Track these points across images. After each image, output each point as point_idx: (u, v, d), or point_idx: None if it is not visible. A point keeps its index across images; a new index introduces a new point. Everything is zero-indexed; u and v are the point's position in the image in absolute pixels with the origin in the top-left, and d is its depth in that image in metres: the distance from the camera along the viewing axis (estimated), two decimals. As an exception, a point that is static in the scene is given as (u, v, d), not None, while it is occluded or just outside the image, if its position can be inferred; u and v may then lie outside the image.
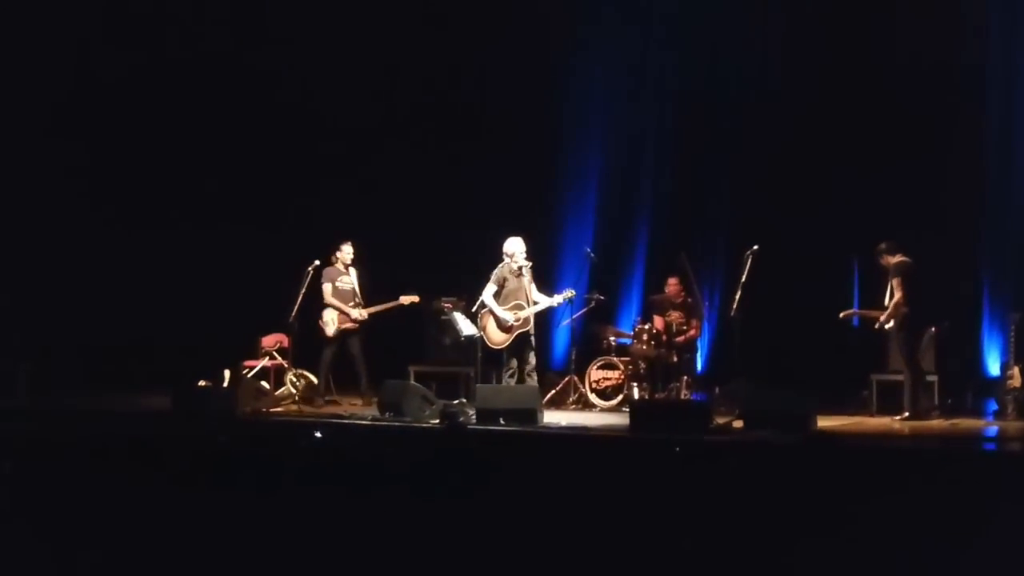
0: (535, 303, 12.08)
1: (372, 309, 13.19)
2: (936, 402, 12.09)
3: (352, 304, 13.15)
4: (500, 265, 12.12)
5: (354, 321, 13.12)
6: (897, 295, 11.67)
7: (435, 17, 15.37)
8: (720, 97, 14.70)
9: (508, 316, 11.98)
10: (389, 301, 13.22)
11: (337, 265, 13.19)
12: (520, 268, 12.05)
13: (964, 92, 13.58)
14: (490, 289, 12.07)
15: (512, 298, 12.04)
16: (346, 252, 13.18)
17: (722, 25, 14.64)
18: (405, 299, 13.16)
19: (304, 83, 15.60)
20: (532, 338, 12.13)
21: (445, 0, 15.38)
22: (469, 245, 13.60)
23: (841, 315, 11.97)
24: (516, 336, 12.02)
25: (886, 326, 11.79)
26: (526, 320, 11.97)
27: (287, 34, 15.57)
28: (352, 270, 13.31)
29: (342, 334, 13.12)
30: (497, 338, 12.09)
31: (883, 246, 11.91)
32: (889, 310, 11.71)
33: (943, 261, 12.75)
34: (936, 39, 13.49)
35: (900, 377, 11.90)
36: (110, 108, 15.51)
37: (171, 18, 15.74)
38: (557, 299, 12.31)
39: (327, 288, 13.01)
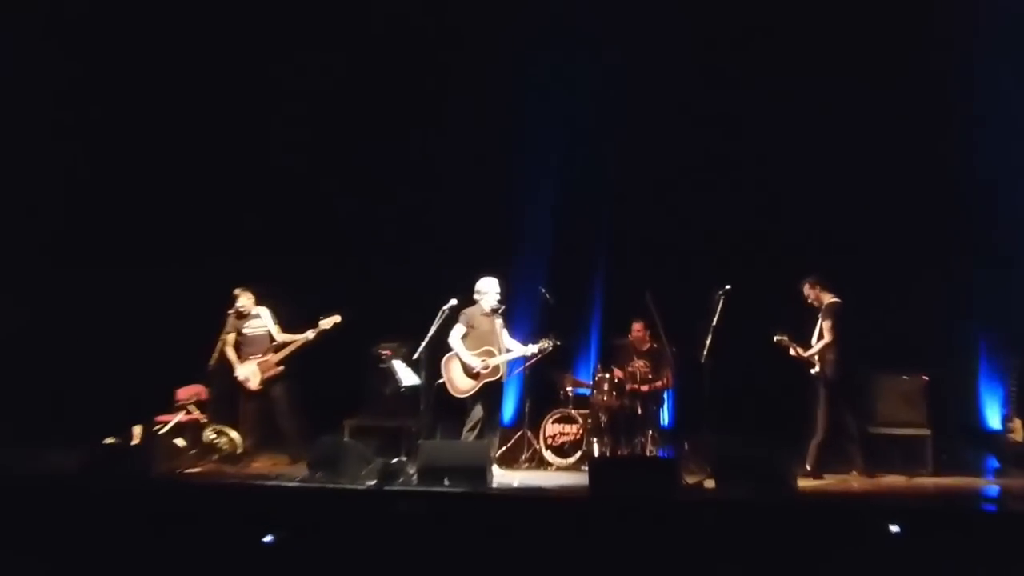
0: (508, 351, 11.84)
1: (285, 351, 12.58)
2: (930, 459, 11.94)
3: (268, 348, 12.70)
4: (472, 307, 11.85)
5: (276, 366, 12.60)
6: (828, 337, 11.71)
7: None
8: (685, 131, 14.53)
9: (475, 362, 11.70)
10: (306, 330, 12.64)
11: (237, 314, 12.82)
12: (493, 310, 11.86)
13: (957, 134, 13.61)
14: (458, 331, 11.80)
15: (482, 342, 11.78)
16: (241, 300, 12.76)
17: (687, 58, 14.54)
18: (325, 322, 12.52)
19: (235, 117, 15.34)
20: (503, 390, 11.96)
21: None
22: (416, 284, 13.23)
23: (775, 338, 11.71)
24: (483, 385, 11.69)
25: (812, 371, 11.74)
26: (495, 369, 11.71)
27: (220, 72, 15.37)
28: (264, 311, 12.86)
29: (266, 384, 12.62)
30: (463, 385, 11.75)
31: (812, 279, 11.92)
32: (816, 351, 11.74)
33: (937, 304, 12.92)
34: (931, 72, 13.59)
35: (889, 431, 11.99)
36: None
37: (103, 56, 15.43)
38: (532, 348, 12.01)
39: (227, 338, 12.67)
